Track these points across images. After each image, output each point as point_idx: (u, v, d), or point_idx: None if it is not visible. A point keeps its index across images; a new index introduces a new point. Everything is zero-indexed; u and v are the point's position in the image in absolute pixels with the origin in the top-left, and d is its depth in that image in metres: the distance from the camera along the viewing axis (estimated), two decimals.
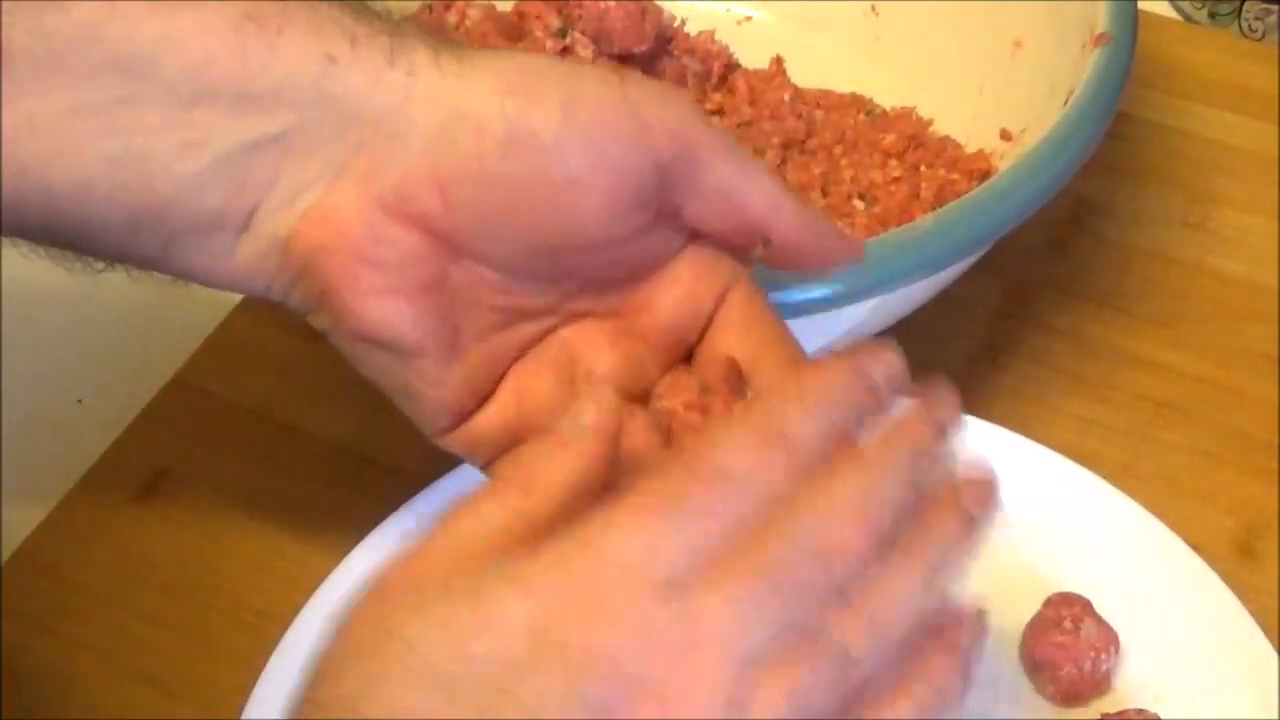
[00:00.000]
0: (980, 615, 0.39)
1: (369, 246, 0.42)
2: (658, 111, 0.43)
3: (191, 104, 0.41)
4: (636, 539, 0.35)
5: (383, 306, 0.43)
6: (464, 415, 0.45)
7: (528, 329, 0.46)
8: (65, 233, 0.42)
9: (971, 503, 0.39)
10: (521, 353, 0.46)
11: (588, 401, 0.39)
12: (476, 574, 0.36)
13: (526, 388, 0.46)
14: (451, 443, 0.46)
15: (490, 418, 0.46)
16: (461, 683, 0.34)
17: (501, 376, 0.46)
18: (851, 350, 0.39)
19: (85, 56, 0.40)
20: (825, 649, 0.35)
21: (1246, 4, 0.79)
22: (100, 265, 0.45)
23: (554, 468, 0.38)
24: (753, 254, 0.46)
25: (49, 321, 0.71)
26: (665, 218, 0.44)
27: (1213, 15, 0.80)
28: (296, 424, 0.65)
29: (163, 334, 0.70)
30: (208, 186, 0.42)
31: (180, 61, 0.40)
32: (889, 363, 0.39)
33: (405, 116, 0.42)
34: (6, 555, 0.62)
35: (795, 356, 0.46)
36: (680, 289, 0.46)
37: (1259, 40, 0.79)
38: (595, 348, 0.46)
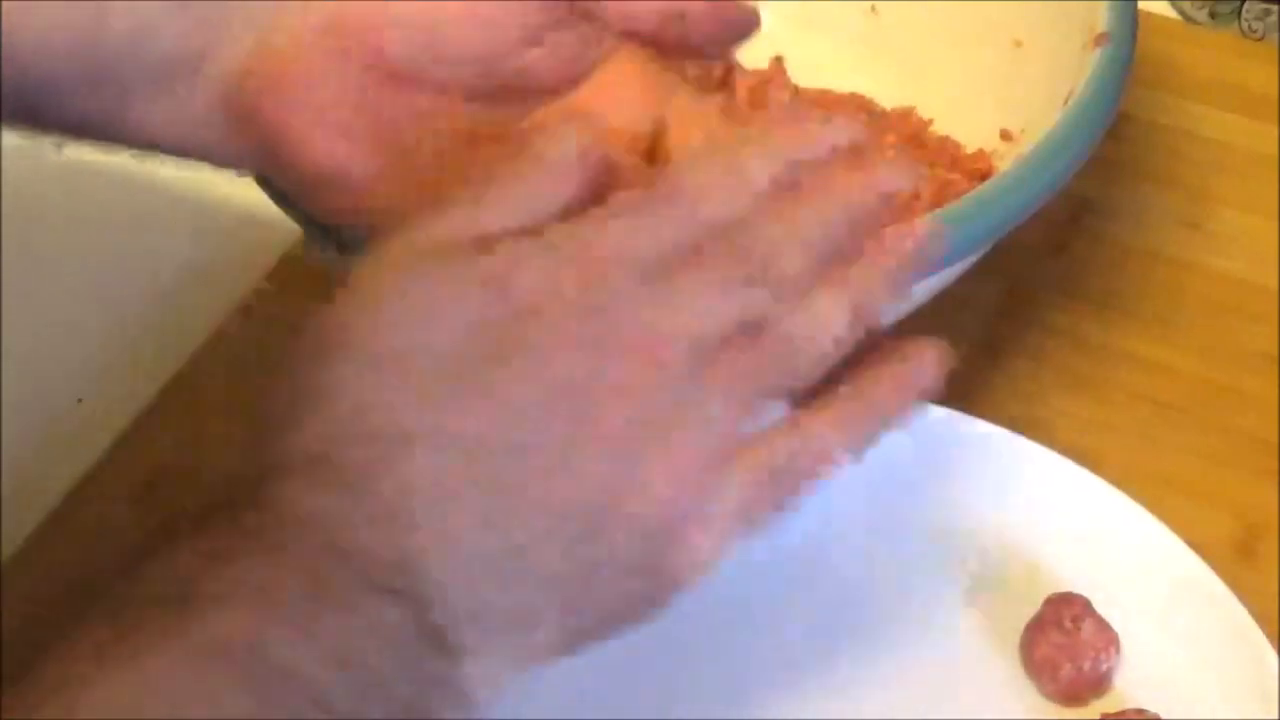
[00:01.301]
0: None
1: (310, 85, 0.45)
2: None
3: None
4: (616, 233, 0.41)
5: (321, 138, 0.46)
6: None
7: (479, 153, 0.47)
8: (30, 96, 0.44)
9: (899, 236, 0.44)
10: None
11: (567, 130, 0.43)
12: (465, 252, 0.40)
13: None
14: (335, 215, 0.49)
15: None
16: (475, 326, 0.39)
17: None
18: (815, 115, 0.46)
19: None
20: (770, 341, 0.41)
21: (1246, 4, 0.79)
22: (61, 137, 0.47)
23: (528, 187, 0.42)
24: (671, 33, 0.49)
25: (49, 321, 0.71)
26: (579, 11, 0.47)
27: (1213, 15, 0.80)
28: None
29: (163, 334, 0.70)
30: (159, 30, 0.44)
31: None
32: (848, 131, 0.45)
33: None
34: (6, 555, 0.62)
35: None
36: (630, 92, 0.49)
37: (1259, 40, 0.79)
38: None
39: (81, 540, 0.62)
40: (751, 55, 0.72)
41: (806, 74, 0.72)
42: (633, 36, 0.48)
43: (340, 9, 0.45)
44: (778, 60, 0.72)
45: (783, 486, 0.42)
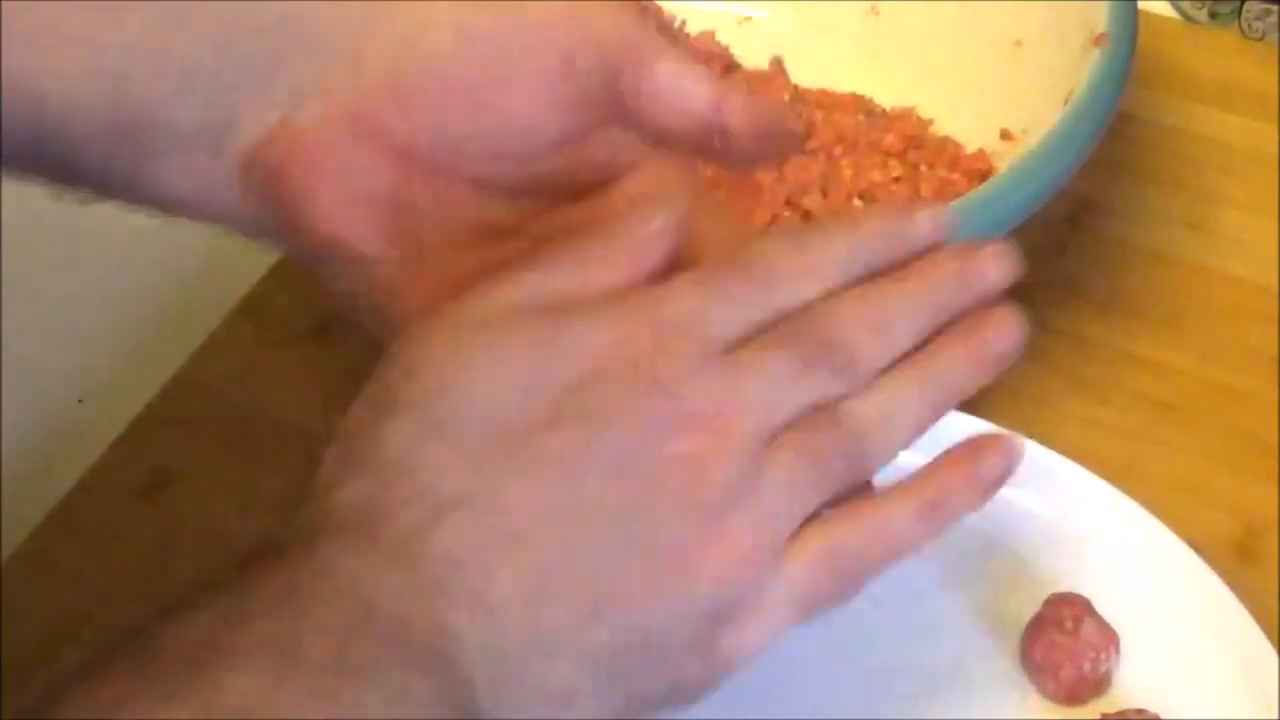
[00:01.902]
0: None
1: (330, 160, 0.44)
2: (602, 15, 0.44)
3: (171, 27, 0.42)
4: (690, 302, 0.40)
5: (342, 216, 0.45)
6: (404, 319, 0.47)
7: (498, 250, 0.46)
8: (51, 148, 0.44)
9: (993, 334, 0.43)
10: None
11: (659, 207, 0.43)
12: (533, 315, 0.40)
13: None
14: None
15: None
16: (536, 391, 0.39)
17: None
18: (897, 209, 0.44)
19: None
20: (840, 434, 0.40)
21: (1246, 4, 0.79)
22: (84, 194, 0.46)
23: (606, 257, 0.42)
24: (712, 145, 0.47)
25: (49, 321, 0.71)
26: (618, 118, 0.45)
27: (1213, 15, 0.80)
28: (296, 424, 0.65)
29: (163, 334, 0.70)
30: (179, 103, 0.43)
31: None
32: (934, 224, 0.43)
33: (364, 36, 0.43)
34: (6, 555, 0.62)
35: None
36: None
37: (1259, 40, 0.79)
38: None
39: (81, 540, 0.62)
40: (751, 55, 0.73)
41: (806, 74, 0.72)
42: (671, 145, 0.46)
43: (370, 103, 0.44)
44: (778, 60, 0.73)
45: (846, 573, 0.41)
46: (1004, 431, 0.44)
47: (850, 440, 0.41)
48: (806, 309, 0.41)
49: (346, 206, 0.44)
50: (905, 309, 0.42)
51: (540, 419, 0.38)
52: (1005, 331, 0.43)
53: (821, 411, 0.40)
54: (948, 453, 0.43)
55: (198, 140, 0.44)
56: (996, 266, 0.43)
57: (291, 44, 0.43)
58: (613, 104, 0.44)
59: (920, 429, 0.42)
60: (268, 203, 0.45)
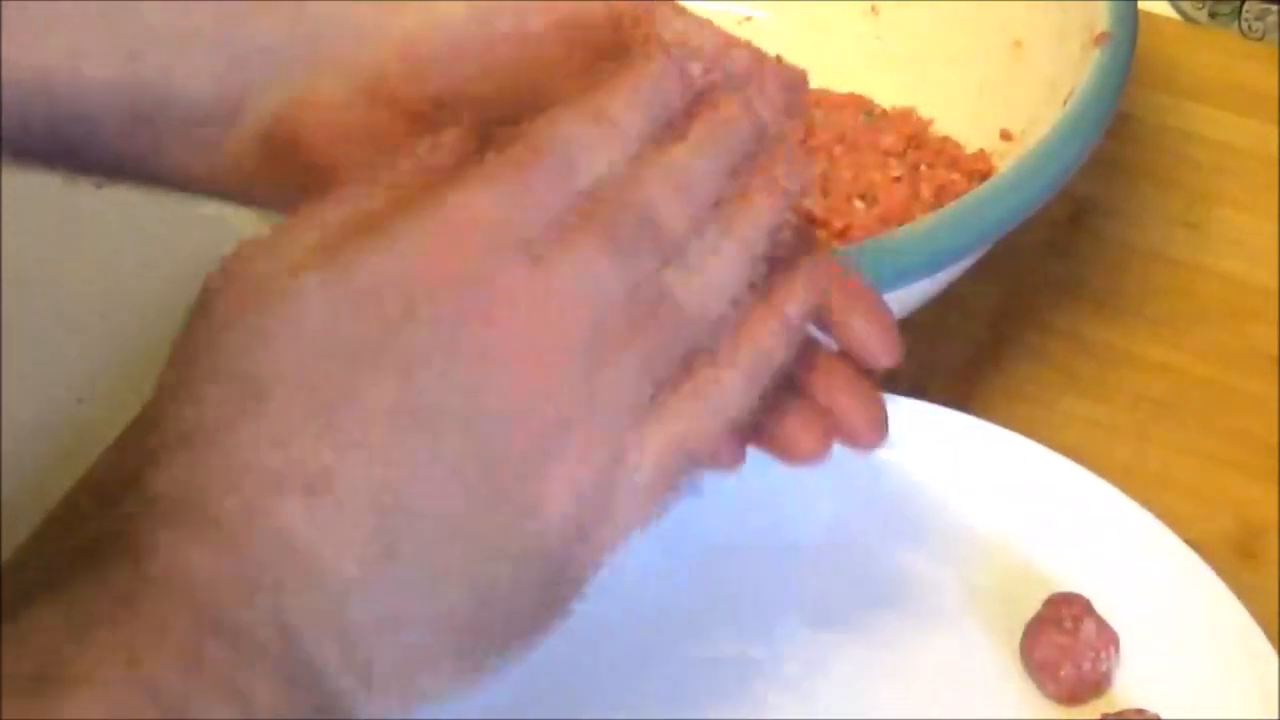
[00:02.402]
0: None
1: (349, 127, 0.44)
2: None
3: (185, 4, 0.43)
4: (491, 198, 0.38)
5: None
6: None
7: None
8: (67, 133, 0.44)
9: (784, 174, 0.42)
10: None
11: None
12: (336, 243, 0.37)
13: None
14: None
15: None
16: (339, 342, 0.36)
17: None
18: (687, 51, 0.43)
19: None
20: (664, 312, 0.39)
21: (1246, 4, 0.79)
22: (98, 178, 0.46)
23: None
24: None
25: (49, 321, 0.71)
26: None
27: (1213, 15, 0.80)
28: None
29: (163, 334, 0.70)
30: (191, 80, 0.43)
31: None
32: (724, 60, 0.43)
33: (378, 7, 0.44)
34: (6, 555, 0.62)
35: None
36: None
37: (1259, 40, 0.79)
38: None
39: None
40: None
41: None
42: None
43: (386, 71, 0.44)
44: (778, 60, 0.73)
45: (692, 458, 0.40)
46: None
47: (678, 319, 0.39)
48: (606, 185, 0.39)
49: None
50: (700, 165, 0.40)
51: (351, 374, 0.36)
52: (792, 166, 0.42)
53: (643, 293, 0.39)
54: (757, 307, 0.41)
55: (214, 114, 0.44)
56: (773, 101, 0.43)
57: (306, 17, 0.44)
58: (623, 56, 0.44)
59: (740, 281, 0.41)
60: (286, 173, 0.45)
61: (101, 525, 0.37)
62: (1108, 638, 0.52)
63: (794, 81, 0.45)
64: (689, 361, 0.40)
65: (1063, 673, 0.52)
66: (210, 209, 0.59)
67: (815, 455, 0.45)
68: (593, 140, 0.40)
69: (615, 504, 0.39)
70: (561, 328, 0.38)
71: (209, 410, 0.37)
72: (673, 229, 0.40)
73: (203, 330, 0.39)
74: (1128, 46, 0.60)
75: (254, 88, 0.44)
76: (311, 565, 0.36)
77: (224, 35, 0.43)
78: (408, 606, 0.37)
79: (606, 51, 0.44)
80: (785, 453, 0.45)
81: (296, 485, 0.36)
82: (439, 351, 0.37)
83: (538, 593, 0.38)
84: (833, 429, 0.45)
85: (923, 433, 0.57)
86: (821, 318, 0.44)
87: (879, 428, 0.45)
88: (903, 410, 0.56)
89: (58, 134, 0.44)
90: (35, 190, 0.63)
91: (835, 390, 0.45)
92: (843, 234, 0.63)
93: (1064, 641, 0.52)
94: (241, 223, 0.72)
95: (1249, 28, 0.79)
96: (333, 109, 0.44)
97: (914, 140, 0.68)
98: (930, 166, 0.67)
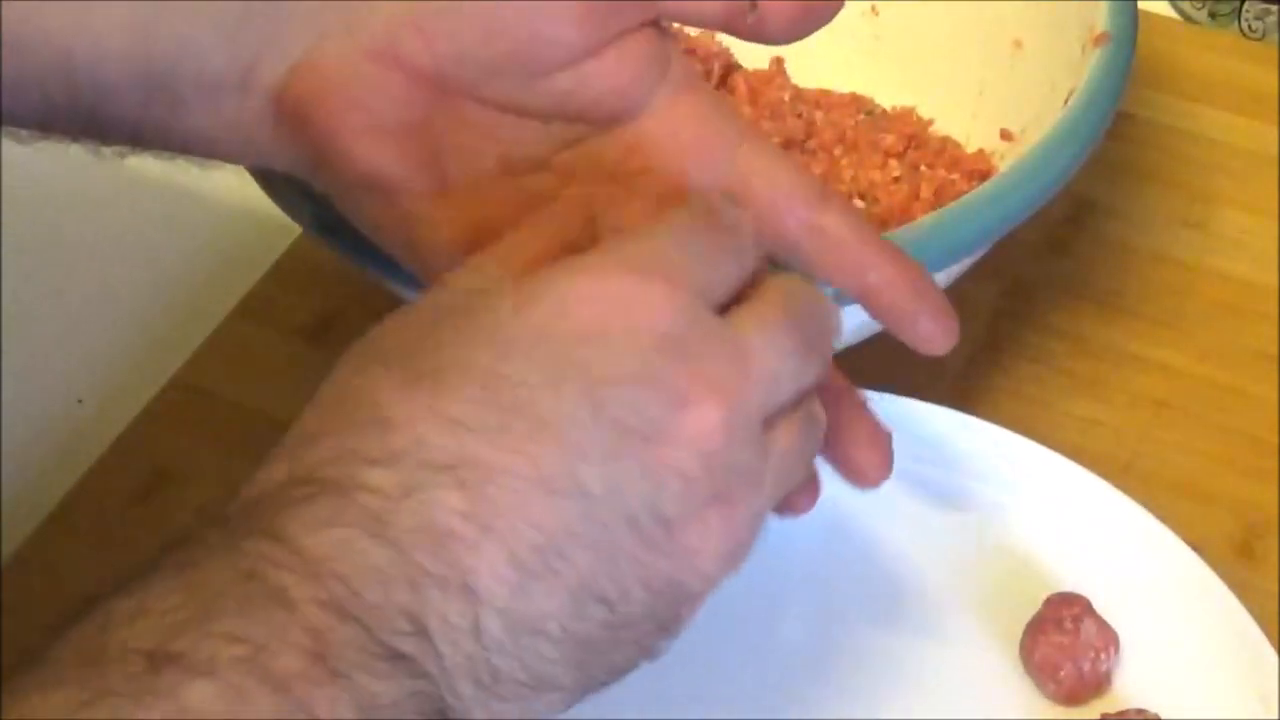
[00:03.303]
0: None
1: (354, 90, 0.44)
2: None
3: None
4: (677, 245, 0.39)
5: (369, 144, 0.45)
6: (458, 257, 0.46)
7: (526, 182, 0.46)
8: (85, 104, 0.44)
9: None
10: (524, 208, 0.46)
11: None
12: (519, 274, 0.38)
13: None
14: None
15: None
16: (529, 349, 0.37)
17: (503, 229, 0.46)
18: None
19: None
20: (807, 415, 0.41)
21: (1246, 4, 0.79)
22: (119, 149, 0.46)
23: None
24: (744, 25, 0.47)
25: (49, 321, 0.71)
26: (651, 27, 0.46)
27: (1213, 15, 0.80)
28: None
29: (163, 334, 0.70)
30: (203, 48, 0.44)
31: None
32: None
33: None
34: (6, 555, 0.62)
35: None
36: (686, 135, 0.47)
37: (1259, 40, 0.79)
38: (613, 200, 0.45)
39: (81, 540, 0.62)
40: (751, 55, 0.73)
41: (806, 74, 0.72)
42: (704, 25, 0.47)
43: (391, 34, 0.44)
44: (778, 60, 0.73)
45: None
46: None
47: (817, 426, 0.42)
48: (777, 283, 0.41)
49: (374, 136, 0.45)
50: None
51: (538, 378, 0.36)
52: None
53: (805, 396, 0.41)
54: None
55: (227, 81, 0.44)
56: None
57: None
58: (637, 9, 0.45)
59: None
60: (298, 137, 0.45)
61: (235, 506, 0.36)
62: (1108, 638, 0.52)
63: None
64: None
65: (1063, 673, 0.52)
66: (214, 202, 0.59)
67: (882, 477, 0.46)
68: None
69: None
70: (748, 390, 0.38)
71: (379, 392, 0.36)
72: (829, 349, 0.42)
73: (396, 321, 0.39)
74: (1128, 46, 0.60)
75: (264, 53, 0.44)
76: (459, 563, 0.35)
77: (233, 4, 0.43)
78: (547, 624, 0.36)
79: (636, 38, 0.45)
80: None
81: (462, 476, 0.35)
82: (630, 377, 0.37)
83: (651, 631, 0.39)
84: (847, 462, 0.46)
85: (923, 433, 0.57)
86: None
87: (885, 469, 0.46)
88: (903, 410, 0.56)
89: (78, 104, 0.44)
90: (36, 191, 0.63)
91: (844, 426, 0.45)
92: None
93: (1064, 641, 0.52)
94: (237, 225, 0.72)
95: (1249, 28, 0.79)
96: (341, 74, 0.44)
97: (914, 140, 0.68)
98: (930, 166, 0.67)
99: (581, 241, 0.41)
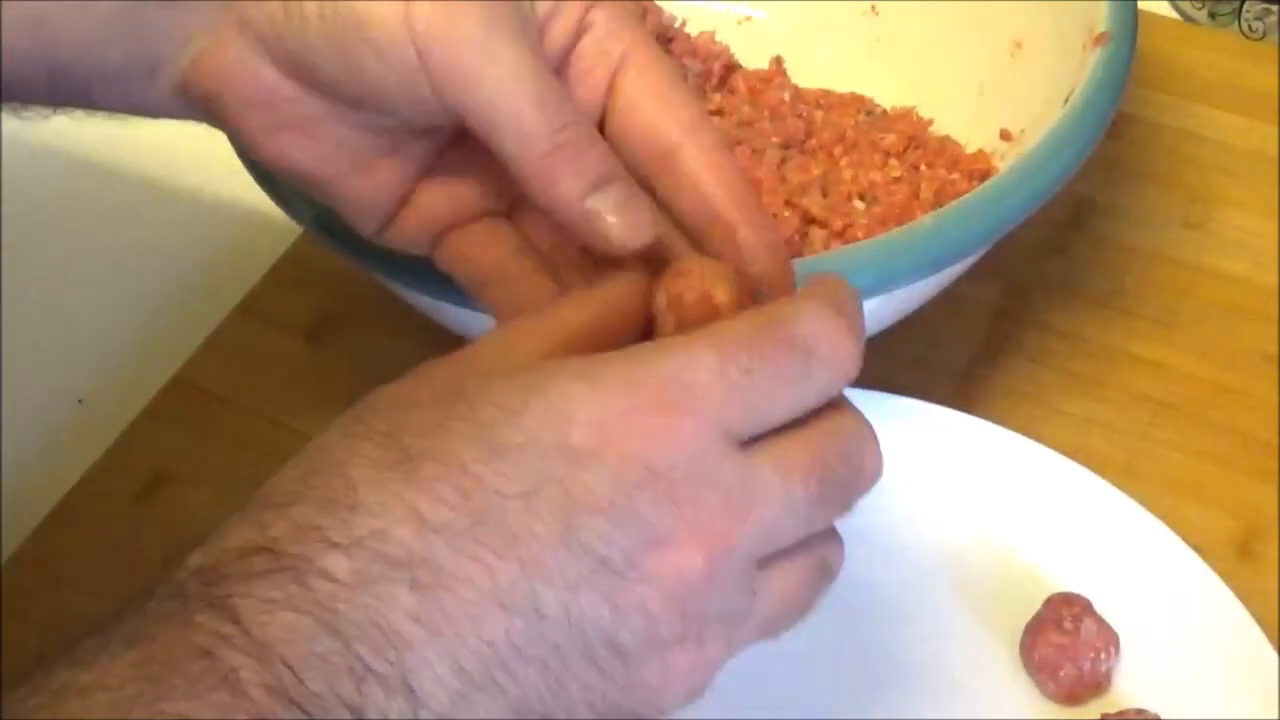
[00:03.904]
0: None
1: (251, 90, 0.44)
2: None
3: None
4: (710, 370, 0.36)
5: (278, 143, 0.45)
6: (390, 216, 0.46)
7: (431, 140, 0.46)
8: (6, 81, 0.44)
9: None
10: (432, 155, 0.46)
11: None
12: (540, 365, 0.37)
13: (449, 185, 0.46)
14: (389, 241, 0.47)
15: (418, 212, 0.46)
16: (515, 455, 0.35)
17: (418, 178, 0.46)
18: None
19: None
20: (816, 562, 0.39)
21: (1246, 4, 0.79)
22: (46, 111, 0.46)
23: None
24: None
25: (49, 321, 0.71)
26: None
27: (1213, 15, 0.80)
28: (296, 424, 0.65)
29: (163, 334, 0.70)
30: (102, 50, 0.43)
31: None
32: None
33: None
34: (6, 555, 0.62)
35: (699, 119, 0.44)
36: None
37: (1259, 40, 0.79)
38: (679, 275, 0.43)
39: (81, 540, 0.62)
40: (751, 55, 0.73)
41: (806, 74, 0.72)
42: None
43: (270, 28, 0.43)
44: (778, 60, 0.73)
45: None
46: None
47: (827, 575, 0.40)
48: (831, 419, 0.38)
49: (275, 132, 0.44)
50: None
51: (515, 489, 0.35)
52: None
53: (819, 538, 0.39)
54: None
55: (131, 75, 0.44)
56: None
57: None
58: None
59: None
60: (215, 124, 0.45)
61: (187, 578, 0.35)
62: (1108, 638, 0.52)
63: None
64: None
65: (1063, 673, 0.52)
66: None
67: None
68: (838, 354, 0.38)
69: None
70: (743, 533, 0.36)
71: (357, 464, 0.35)
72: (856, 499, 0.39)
73: (389, 395, 0.37)
74: (1128, 46, 0.60)
75: (162, 50, 0.44)
76: (403, 663, 0.34)
77: (124, 6, 0.43)
78: None
79: None
80: None
81: (418, 576, 0.34)
82: (616, 501, 0.35)
83: None
84: None
85: (923, 433, 0.57)
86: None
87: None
88: (903, 410, 0.56)
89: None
90: (37, 192, 0.63)
91: None
92: (842, 234, 0.63)
93: (1064, 641, 0.52)
94: (237, 225, 0.72)
95: (1249, 28, 0.79)
96: (237, 72, 0.43)
97: (914, 140, 0.68)
98: (930, 166, 0.67)
99: (629, 323, 0.40)
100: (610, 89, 0.44)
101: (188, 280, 0.72)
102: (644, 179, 0.44)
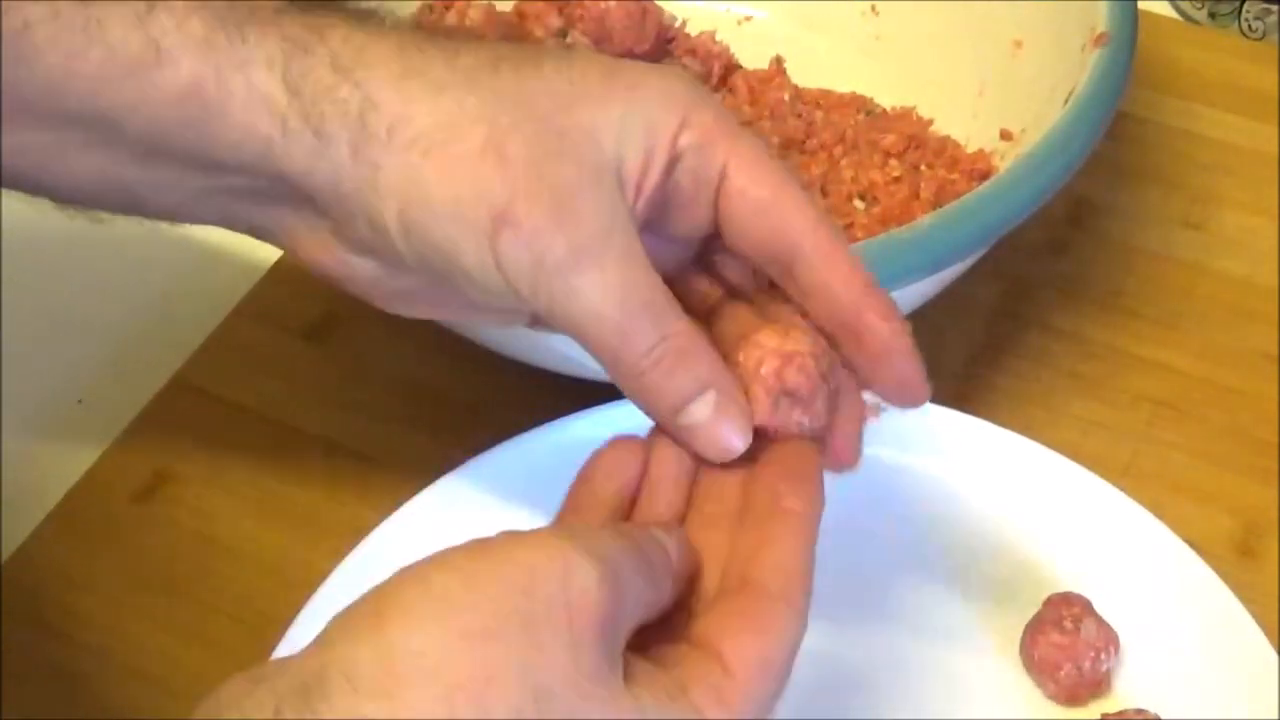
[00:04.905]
0: None
1: (344, 272, 0.45)
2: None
3: (150, 159, 0.44)
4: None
5: (393, 305, 0.46)
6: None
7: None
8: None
9: None
10: None
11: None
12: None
13: None
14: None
15: None
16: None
17: None
18: None
19: (56, 106, 0.42)
20: None
21: (1246, 4, 0.79)
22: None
23: None
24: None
25: (49, 321, 0.71)
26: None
27: (1213, 15, 0.80)
28: (296, 424, 0.65)
29: (163, 334, 0.70)
30: (197, 216, 0.46)
31: (137, 125, 0.43)
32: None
33: (339, 190, 0.43)
34: (6, 555, 0.62)
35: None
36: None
37: (1259, 40, 0.79)
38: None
39: (81, 540, 0.62)
40: (751, 55, 0.73)
41: (806, 74, 0.72)
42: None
43: (367, 226, 0.43)
44: (778, 60, 0.73)
45: None
46: None
47: None
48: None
49: (376, 296, 0.46)
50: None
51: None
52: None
53: None
54: None
55: (234, 226, 0.47)
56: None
57: (283, 185, 0.44)
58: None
59: None
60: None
61: None
62: (1108, 638, 0.52)
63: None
64: None
65: (1063, 673, 0.52)
66: None
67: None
68: None
69: None
70: None
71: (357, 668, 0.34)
72: None
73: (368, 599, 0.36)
74: (1128, 46, 0.60)
75: (255, 223, 0.46)
76: None
77: (198, 185, 0.45)
78: None
79: None
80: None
81: None
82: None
83: None
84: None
85: (923, 433, 0.57)
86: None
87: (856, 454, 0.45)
88: (903, 410, 0.56)
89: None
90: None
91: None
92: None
93: (1064, 641, 0.52)
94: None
95: (1249, 28, 0.79)
96: (325, 257, 0.45)
97: (914, 140, 0.68)
98: (930, 166, 0.67)
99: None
100: (718, 201, 0.44)
101: (188, 280, 0.72)
102: (771, 277, 0.44)
